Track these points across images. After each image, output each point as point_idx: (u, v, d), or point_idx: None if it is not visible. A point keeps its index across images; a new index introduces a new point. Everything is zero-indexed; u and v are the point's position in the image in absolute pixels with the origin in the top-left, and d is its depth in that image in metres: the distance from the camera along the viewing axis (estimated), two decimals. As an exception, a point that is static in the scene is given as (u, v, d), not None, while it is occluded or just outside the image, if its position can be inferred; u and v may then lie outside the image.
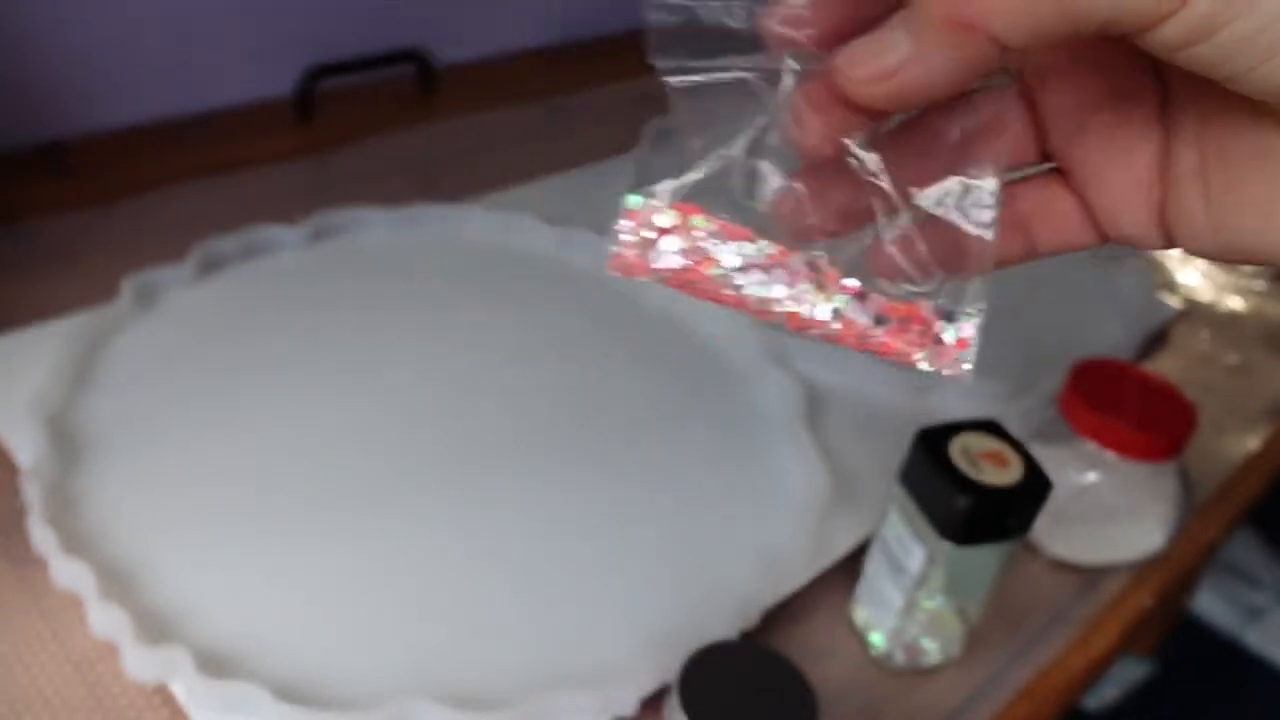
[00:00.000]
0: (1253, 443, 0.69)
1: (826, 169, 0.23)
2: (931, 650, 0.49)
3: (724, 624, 0.47)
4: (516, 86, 0.92)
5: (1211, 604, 1.42)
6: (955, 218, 0.23)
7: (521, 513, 0.53)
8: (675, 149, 0.23)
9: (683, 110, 0.23)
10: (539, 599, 0.49)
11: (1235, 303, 0.84)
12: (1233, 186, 0.21)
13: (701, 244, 0.23)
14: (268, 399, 0.56)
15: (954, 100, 0.22)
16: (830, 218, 0.23)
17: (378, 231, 0.70)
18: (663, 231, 0.23)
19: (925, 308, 0.23)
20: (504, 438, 0.57)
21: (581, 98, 0.93)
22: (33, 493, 0.47)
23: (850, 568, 0.52)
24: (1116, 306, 0.77)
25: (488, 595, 0.49)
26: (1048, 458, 0.48)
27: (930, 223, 0.23)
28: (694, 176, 0.23)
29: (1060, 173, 0.24)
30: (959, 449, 0.44)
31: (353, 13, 0.85)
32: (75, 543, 0.46)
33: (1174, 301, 0.81)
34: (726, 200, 0.24)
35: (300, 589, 0.47)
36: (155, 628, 0.44)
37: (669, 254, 0.23)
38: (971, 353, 0.23)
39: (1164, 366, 0.74)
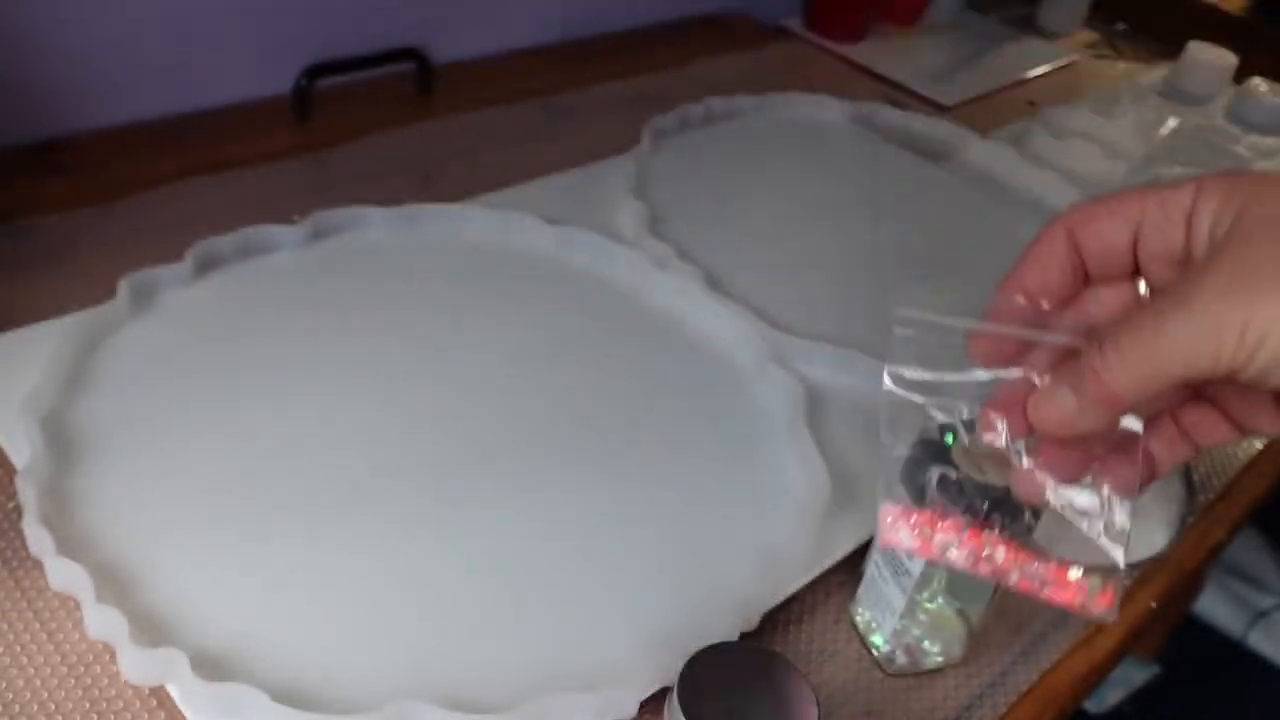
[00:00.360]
0: (1257, 444, 0.69)
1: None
2: (933, 652, 0.49)
3: (724, 625, 0.46)
4: (515, 85, 0.92)
5: (1215, 605, 1.41)
6: (1086, 525, 0.36)
7: (521, 513, 0.52)
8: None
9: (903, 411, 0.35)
10: (538, 600, 0.49)
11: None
12: None
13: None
14: (265, 399, 0.56)
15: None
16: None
17: (376, 231, 0.70)
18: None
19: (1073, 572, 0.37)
20: (503, 438, 0.56)
21: (581, 97, 0.93)
22: (28, 493, 0.46)
23: (851, 568, 0.52)
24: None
25: (487, 596, 0.48)
26: (1050, 458, 0.48)
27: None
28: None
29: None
30: (961, 449, 0.44)
31: (351, 12, 0.85)
32: (71, 544, 0.46)
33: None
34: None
35: (297, 590, 0.47)
36: (151, 629, 0.43)
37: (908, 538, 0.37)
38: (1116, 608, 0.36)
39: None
